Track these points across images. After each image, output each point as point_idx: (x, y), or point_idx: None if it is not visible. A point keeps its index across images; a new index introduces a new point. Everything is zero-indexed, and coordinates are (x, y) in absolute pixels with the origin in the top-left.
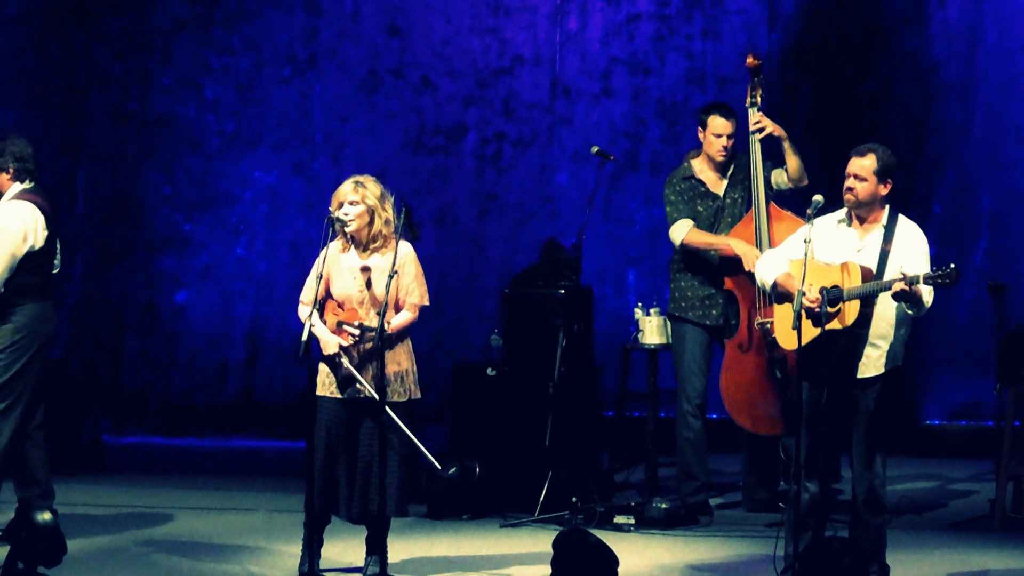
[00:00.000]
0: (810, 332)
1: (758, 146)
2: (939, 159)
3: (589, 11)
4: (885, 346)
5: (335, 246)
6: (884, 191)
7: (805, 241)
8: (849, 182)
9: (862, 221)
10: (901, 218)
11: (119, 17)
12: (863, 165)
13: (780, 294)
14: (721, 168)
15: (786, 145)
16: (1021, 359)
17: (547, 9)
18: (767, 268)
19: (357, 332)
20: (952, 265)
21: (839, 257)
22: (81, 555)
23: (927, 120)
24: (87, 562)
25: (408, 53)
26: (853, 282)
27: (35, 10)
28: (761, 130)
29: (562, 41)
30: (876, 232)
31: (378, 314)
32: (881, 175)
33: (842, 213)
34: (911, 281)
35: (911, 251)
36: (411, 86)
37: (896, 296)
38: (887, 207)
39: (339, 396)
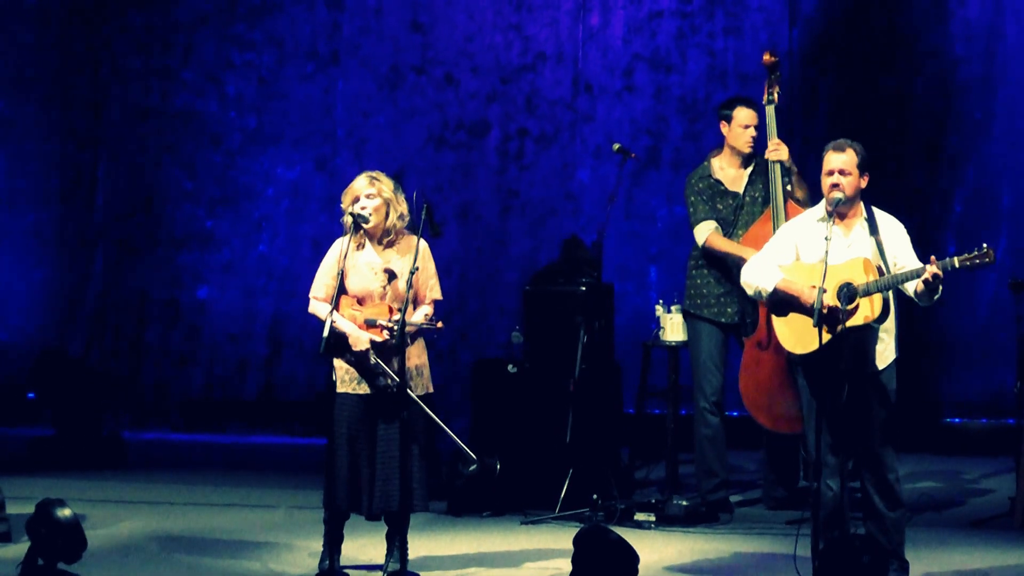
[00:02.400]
0: (826, 334)
1: (777, 166)
2: (959, 157)
3: (611, 8)
4: (889, 339)
5: (349, 241)
6: (864, 183)
7: (826, 239)
8: (834, 178)
9: (843, 216)
10: (875, 209)
11: (140, 12)
12: (845, 160)
13: (779, 300)
14: (744, 162)
15: (795, 179)
16: None
17: (569, 6)
18: (761, 275)
19: (395, 328)
20: (985, 245)
21: (830, 256)
22: (101, 551)
23: (947, 117)
24: (107, 558)
25: (431, 49)
26: (869, 276)
27: (56, 4)
28: (779, 163)
29: (584, 38)
30: (859, 226)
31: (399, 310)
32: (861, 168)
33: (820, 211)
34: (945, 266)
35: (900, 240)
36: (434, 82)
37: (928, 283)
38: (861, 200)
39: (359, 392)
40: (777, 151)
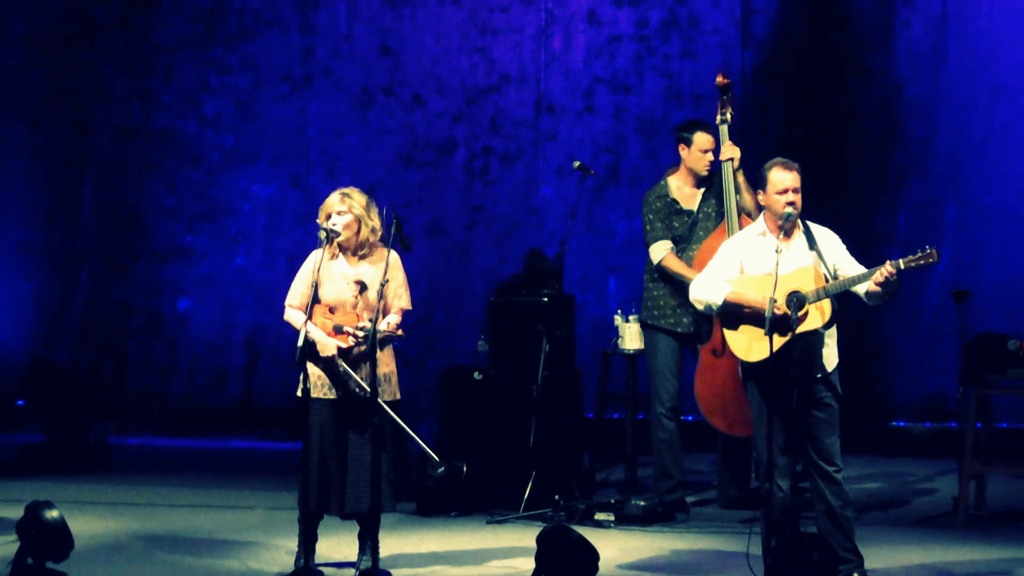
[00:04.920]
0: (777, 341)
1: (730, 168)
2: (904, 172)
3: (572, 32)
4: (833, 344)
5: (324, 253)
6: None
7: (776, 251)
8: (789, 196)
9: (786, 232)
10: (809, 222)
11: (124, 36)
12: (798, 178)
13: (729, 312)
14: (699, 182)
15: (744, 186)
16: (983, 363)
17: (532, 30)
18: (709, 290)
19: (361, 335)
20: (928, 247)
21: (773, 267)
22: (87, 551)
23: (893, 135)
24: (93, 557)
25: (400, 72)
26: (817, 284)
27: (43, 29)
28: (731, 160)
29: (547, 61)
30: (798, 238)
31: (370, 320)
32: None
33: (761, 226)
34: (897, 267)
35: (837, 248)
36: (403, 103)
37: (882, 284)
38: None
39: (331, 398)
40: (732, 156)
